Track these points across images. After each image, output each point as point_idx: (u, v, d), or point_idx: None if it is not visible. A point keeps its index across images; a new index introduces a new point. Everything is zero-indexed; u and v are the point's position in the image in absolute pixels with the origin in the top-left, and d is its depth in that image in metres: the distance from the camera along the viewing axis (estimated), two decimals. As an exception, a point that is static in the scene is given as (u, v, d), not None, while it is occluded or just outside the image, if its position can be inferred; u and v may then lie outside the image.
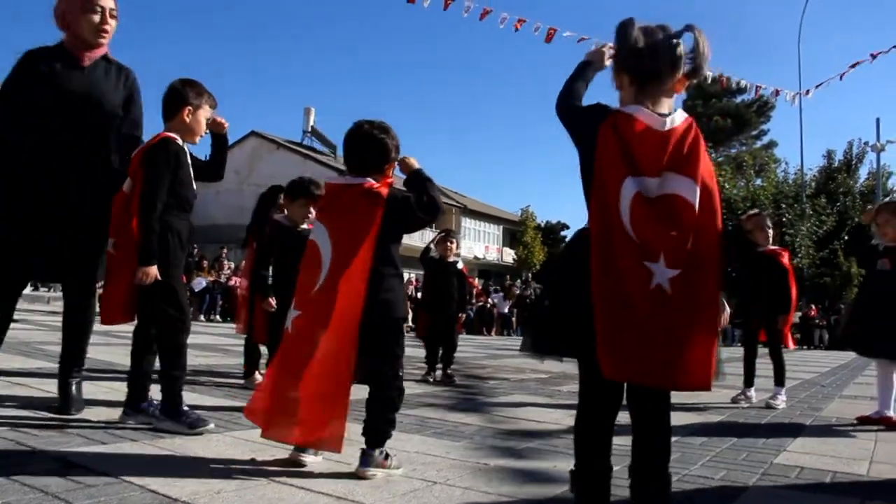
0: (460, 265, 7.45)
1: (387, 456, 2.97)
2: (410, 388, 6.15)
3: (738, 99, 49.55)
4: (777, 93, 21.48)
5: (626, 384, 2.23)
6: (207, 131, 3.94)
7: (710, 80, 23.80)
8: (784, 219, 31.24)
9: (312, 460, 3.06)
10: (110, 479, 2.58)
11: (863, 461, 3.81)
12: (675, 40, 2.22)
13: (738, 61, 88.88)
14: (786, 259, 6.45)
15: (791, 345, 6.34)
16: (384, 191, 3.01)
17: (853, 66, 19.17)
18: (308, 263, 3.03)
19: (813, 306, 29.22)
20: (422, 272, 7.97)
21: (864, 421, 5.28)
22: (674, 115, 2.22)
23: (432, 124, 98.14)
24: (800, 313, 27.89)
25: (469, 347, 13.42)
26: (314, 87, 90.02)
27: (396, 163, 3.20)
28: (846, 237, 29.02)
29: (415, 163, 3.17)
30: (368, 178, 3.04)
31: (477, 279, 32.48)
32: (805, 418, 5.53)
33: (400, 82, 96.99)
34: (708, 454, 3.77)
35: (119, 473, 2.65)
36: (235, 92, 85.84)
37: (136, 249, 3.55)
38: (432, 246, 7.50)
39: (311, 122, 44.36)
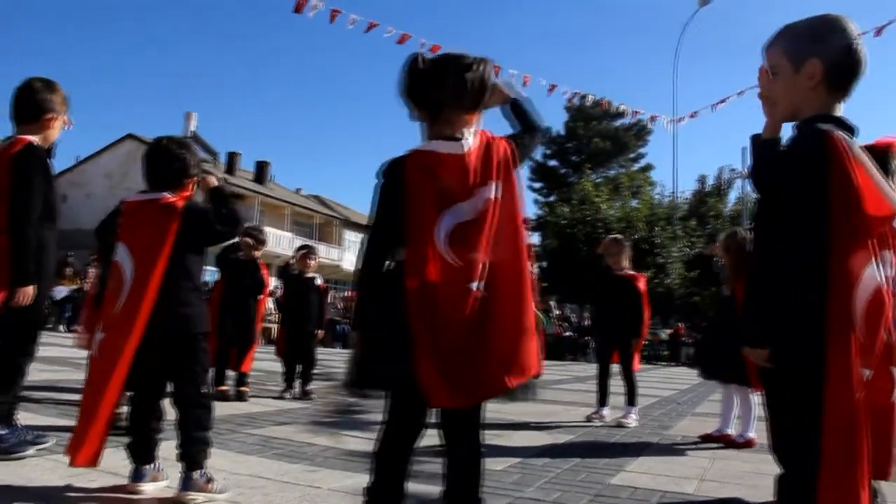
0: (319, 281, 7.40)
1: (209, 479, 2.87)
2: (265, 406, 6.04)
3: (618, 123, 51.14)
4: (654, 118, 22.32)
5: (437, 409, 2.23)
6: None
7: (591, 104, 24.50)
8: (657, 240, 32.42)
9: (154, 487, 2.93)
10: None
11: (693, 480, 3.95)
12: (463, 72, 2.25)
13: (618, 87, 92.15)
14: (641, 284, 6.66)
15: (636, 366, 6.55)
16: (180, 203, 2.95)
17: (722, 101, 20.08)
18: (112, 285, 2.92)
19: (680, 324, 30.41)
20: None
21: (706, 439, 5.49)
22: (467, 138, 2.24)
23: (317, 134, 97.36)
24: (669, 330, 29.04)
25: (341, 361, 13.25)
26: (198, 93, 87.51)
27: (196, 182, 3.14)
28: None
29: (213, 181, 3.11)
30: (165, 193, 2.97)
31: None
32: (653, 437, 5.70)
33: (285, 92, 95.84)
34: (547, 475, 3.82)
35: None
36: (113, 93, 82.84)
37: (10, 267, 3.32)
38: (292, 261, 7.39)
39: (192, 128, 43.07)
